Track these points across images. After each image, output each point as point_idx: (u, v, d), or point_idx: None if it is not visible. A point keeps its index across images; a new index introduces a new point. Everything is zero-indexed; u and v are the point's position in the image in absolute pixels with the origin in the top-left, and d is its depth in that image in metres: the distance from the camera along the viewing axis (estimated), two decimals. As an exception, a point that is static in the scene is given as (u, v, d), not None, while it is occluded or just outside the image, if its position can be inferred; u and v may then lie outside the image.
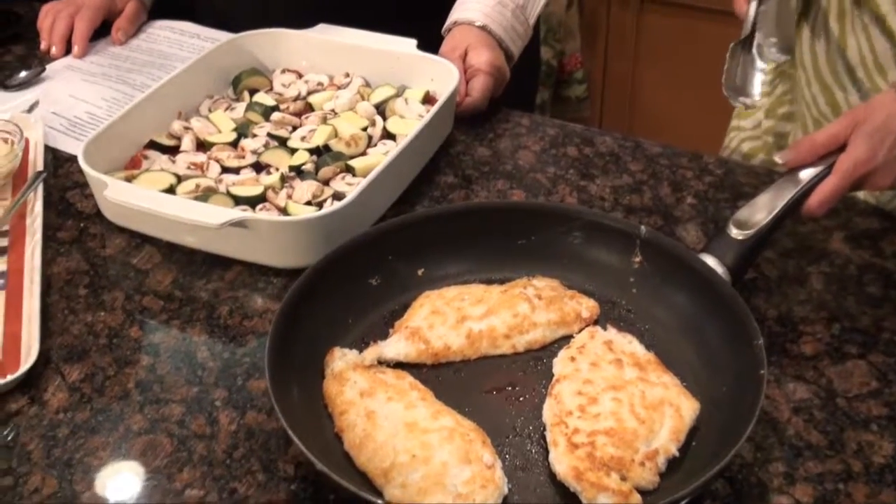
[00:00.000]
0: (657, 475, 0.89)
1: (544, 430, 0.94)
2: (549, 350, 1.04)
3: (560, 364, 1.00)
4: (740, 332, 0.96)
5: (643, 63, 2.86)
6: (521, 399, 0.99)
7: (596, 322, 1.06)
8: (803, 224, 1.21)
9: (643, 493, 0.87)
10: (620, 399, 0.94)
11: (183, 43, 1.68)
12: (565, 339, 1.04)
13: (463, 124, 1.42)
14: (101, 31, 1.66)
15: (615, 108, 2.98)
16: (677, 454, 0.90)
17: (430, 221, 1.13)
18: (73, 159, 1.35)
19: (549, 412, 0.94)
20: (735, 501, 0.89)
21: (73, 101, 1.50)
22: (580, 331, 1.05)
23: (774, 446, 0.94)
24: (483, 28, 1.46)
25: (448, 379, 1.01)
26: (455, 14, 1.50)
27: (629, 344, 1.02)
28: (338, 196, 1.20)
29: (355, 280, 1.08)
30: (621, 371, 0.97)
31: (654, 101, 2.88)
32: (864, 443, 0.95)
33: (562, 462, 0.89)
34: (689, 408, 0.94)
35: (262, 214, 1.15)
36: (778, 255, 1.17)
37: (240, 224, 1.09)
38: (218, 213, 1.09)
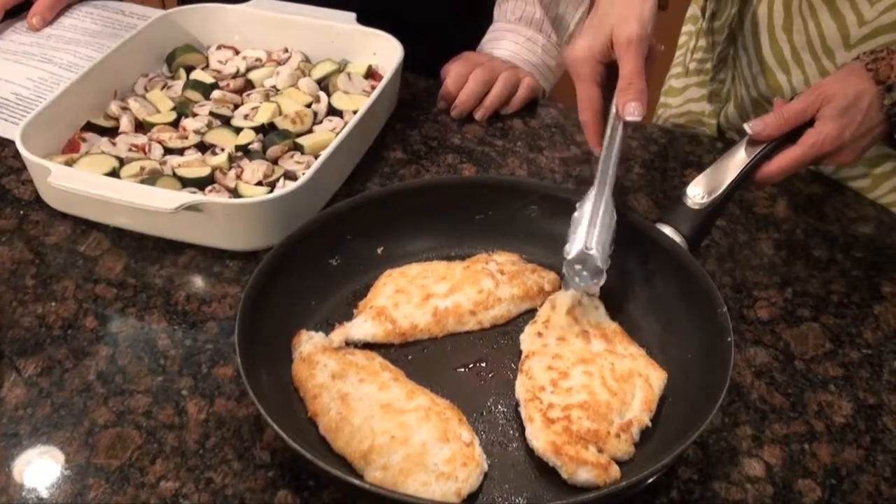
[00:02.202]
0: (632, 446, 0.90)
1: (517, 406, 0.94)
2: (514, 325, 1.05)
3: (528, 340, 1.00)
4: (703, 301, 0.97)
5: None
6: (490, 375, 0.99)
7: (558, 295, 1.07)
8: (748, 191, 1.24)
9: (619, 464, 0.89)
10: (591, 372, 0.95)
11: (107, 19, 1.62)
12: (529, 313, 1.05)
13: (408, 99, 1.41)
14: (25, 6, 1.59)
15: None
16: (650, 424, 0.92)
17: (388, 199, 1.12)
18: (4, 143, 1.30)
19: (521, 388, 0.95)
20: (707, 466, 0.92)
21: (-3, 81, 1.44)
22: (543, 304, 1.06)
23: (741, 410, 0.97)
24: (507, 62, 1.45)
25: (417, 358, 1.01)
26: (484, 49, 1.51)
27: (595, 310, 1.03)
28: (289, 175, 1.19)
29: (316, 261, 1.06)
30: (589, 344, 0.99)
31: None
32: (824, 403, 0.98)
33: (539, 437, 0.89)
34: (657, 377, 0.96)
35: (218, 197, 1.12)
36: (727, 223, 1.20)
37: (194, 208, 1.06)
38: (171, 197, 1.06)
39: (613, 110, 1.06)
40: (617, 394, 0.93)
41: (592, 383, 0.94)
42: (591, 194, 1.02)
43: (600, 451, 0.89)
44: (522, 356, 0.98)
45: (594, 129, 1.09)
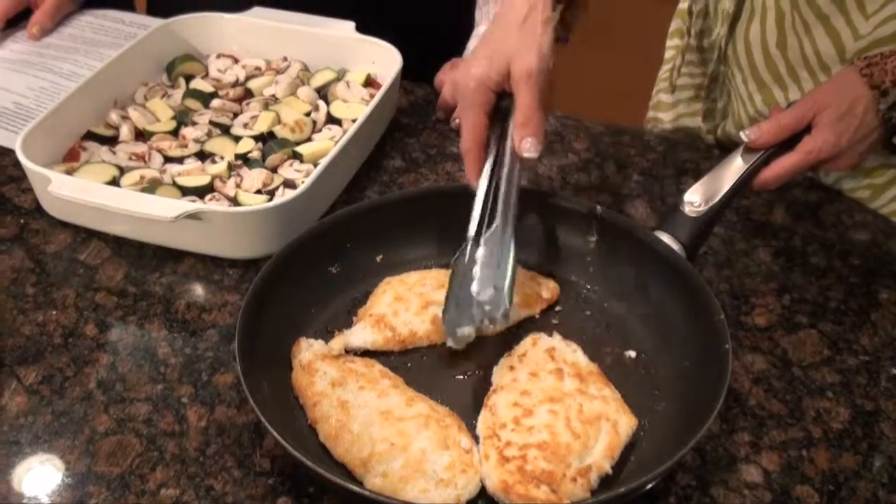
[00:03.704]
0: (588, 492, 0.87)
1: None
2: (512, 332, 1.05)
3: (498, 373, 0.98)
4: (701, 308, 0.98)
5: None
6: (490, 382, 0.99)
7: (556, 304, 1.08)
8: (745, 198, 1.24)
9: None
10: (556, 411, 0.91)
11: (107, 28, 1.63)
12: (529, 321, 1.06)
13: (406, 107, 1.42)
14: (25, 15, 1.59)
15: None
16: (610, 472, 0.89)
17: (387, 208, 1.12)
18: (4, 152, 1.30)
19: (482, 424, 0.93)
20: (705, 472, 0.92)
21: (-3, 90, 1.45)
22: (542, 312, 1.06)
23: (739, 417, 0.97)
24: None
25: (416, 365, 1.01)
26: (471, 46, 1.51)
27: (573, 353, 0.99)
28: (288, 183, 1.19)
29: (315, 269, 1.07)
30: (561, 382, 0.95)
31: (577, 72, 2.90)
32: (821, 409, 0.99)
33: (491, 476, 0.87)
34: (626, 424, 0.92)
35: (218, 206, 1.13)
36: (724, 230, 1.20)
37: (194, 216, 1.07)
38: (171, 206, 1.07)
39: (509, 145, 1.03)
40: (580, 436, 0.89)
41: (556, 423, 0.90)
42: (494, 232, 1.00)
43: (554, 492, 0.85)
44: (490, 390, 0.96)
45: (476, 159, 1.04)
